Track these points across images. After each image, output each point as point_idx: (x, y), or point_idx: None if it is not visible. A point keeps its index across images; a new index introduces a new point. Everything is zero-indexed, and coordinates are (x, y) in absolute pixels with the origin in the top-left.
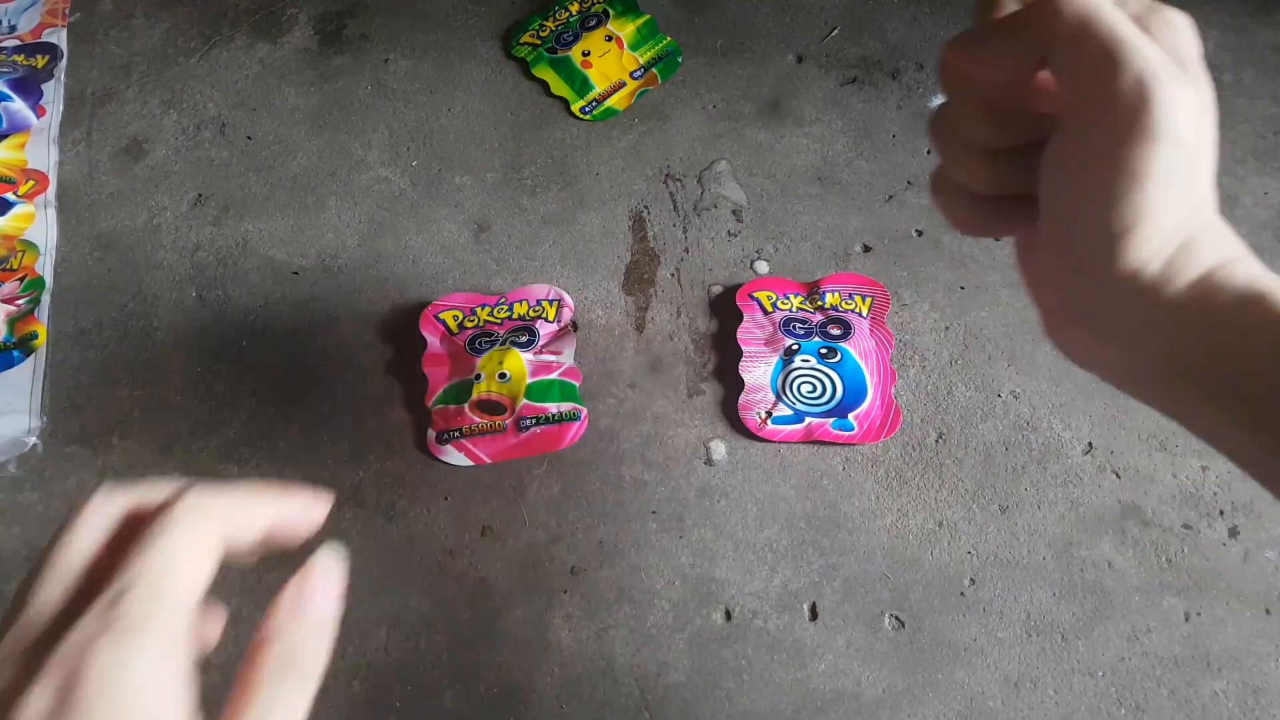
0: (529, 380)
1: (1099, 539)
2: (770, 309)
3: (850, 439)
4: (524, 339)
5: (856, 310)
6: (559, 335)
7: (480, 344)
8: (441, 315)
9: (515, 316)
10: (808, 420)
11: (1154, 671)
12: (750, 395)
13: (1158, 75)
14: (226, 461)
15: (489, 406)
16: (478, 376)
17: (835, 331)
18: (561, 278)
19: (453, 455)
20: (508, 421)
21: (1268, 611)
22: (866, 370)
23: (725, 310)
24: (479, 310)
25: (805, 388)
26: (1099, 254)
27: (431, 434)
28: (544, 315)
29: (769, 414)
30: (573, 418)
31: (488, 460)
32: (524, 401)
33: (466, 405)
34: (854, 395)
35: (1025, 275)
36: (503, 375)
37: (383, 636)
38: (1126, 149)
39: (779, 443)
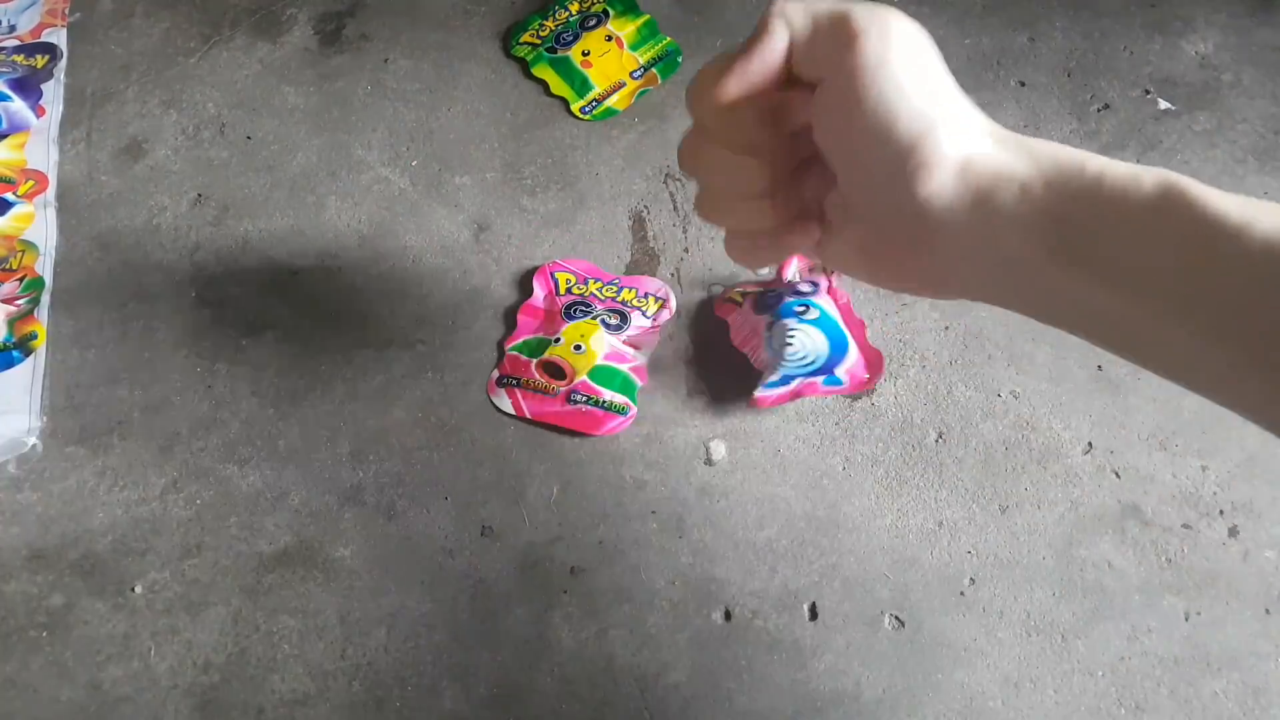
0: (599, 361)
1: (1099, 539)
2: (741, 301)
3: (840, 391)
4: (615, 321)
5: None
6: (647, 334)
7: (575, 311)
8: (557, 274)
9: (619, 299)
10: (797, 380)
11: (1154, 671)
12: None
13: (850, 9)
14: (226, 461)
15: (553, 370)
16: (557, 340)
17: (805, 288)
18: None
19: (503, 400)
20: (562, 388)
21: (1268, 611)
22: (840, 322)
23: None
24: (591, 281)
25: (788, 350)
26: (900, 186)
27: (495, 374)
28: (644, 308)
29: (760, 385)
30: (621, 410)
31: (529, 415)
32: (583, 378)
33: (535, 361)
34: (837, 349)
35: (840, 262)
36: (579, 347)
37: (383, 636)
38: (858, 77)
39: (771, 406)
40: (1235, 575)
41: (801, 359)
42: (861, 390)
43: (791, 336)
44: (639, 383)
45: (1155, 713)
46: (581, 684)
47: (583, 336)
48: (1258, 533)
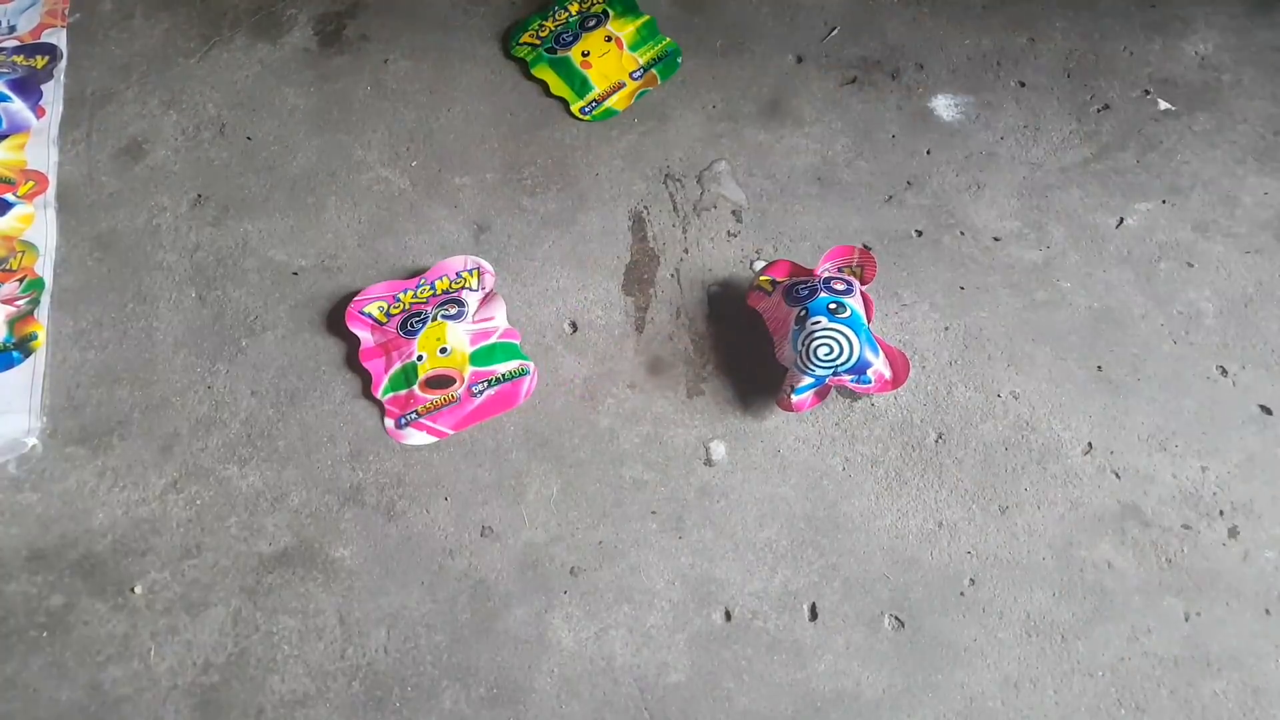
0: (471, 349)
1: (1099, 539)
2: (770, 290)
3: (867, 390)
4: (454, 311)
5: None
6: (486, 301)
7: (412, 325)
8: (366, 310)
9: (439, 292)
10: (828, 381)
11: (1154, 671)
12: (786, 381)
13: None
14: (226, 461)
15: (438, 381)
16: (419, 357)
17: (839, 286)
18: (561, 278)
19: (415, 436)
20: (460, 391)
21: (1268, 611)
22: (869, 324)
23: (725, 310)
24: (402, 296)
25: (822, 350)
26: None
27: (389, 422)
28: (467, 285)
29: (792, 388)
30: (521, 374)
31: (451, 432)
32: (471, 369)
33: (416, 386)
34: (868, 350)
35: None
36: (444, 350)
37: (383, 636)
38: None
39: (806, 411)
40: (1235, 575)
41: (833, 360)
42: (888, 390)
43: (820, 340)
44: (516, 341)
45: (1155, 713)
46: (581, 684)
47: (439, 340)
48: (1258, 533)
